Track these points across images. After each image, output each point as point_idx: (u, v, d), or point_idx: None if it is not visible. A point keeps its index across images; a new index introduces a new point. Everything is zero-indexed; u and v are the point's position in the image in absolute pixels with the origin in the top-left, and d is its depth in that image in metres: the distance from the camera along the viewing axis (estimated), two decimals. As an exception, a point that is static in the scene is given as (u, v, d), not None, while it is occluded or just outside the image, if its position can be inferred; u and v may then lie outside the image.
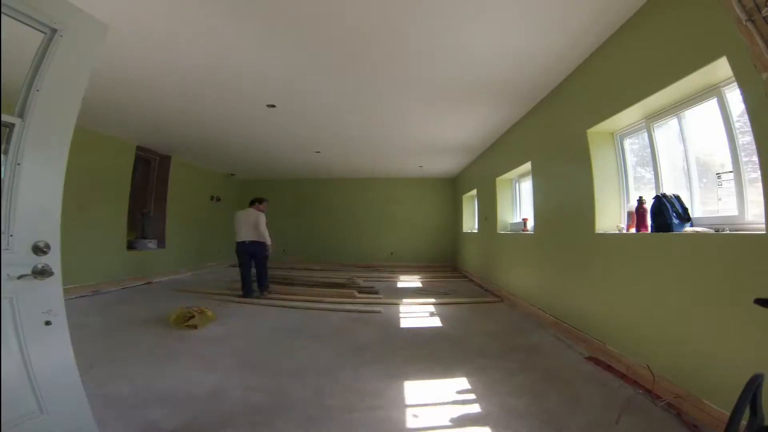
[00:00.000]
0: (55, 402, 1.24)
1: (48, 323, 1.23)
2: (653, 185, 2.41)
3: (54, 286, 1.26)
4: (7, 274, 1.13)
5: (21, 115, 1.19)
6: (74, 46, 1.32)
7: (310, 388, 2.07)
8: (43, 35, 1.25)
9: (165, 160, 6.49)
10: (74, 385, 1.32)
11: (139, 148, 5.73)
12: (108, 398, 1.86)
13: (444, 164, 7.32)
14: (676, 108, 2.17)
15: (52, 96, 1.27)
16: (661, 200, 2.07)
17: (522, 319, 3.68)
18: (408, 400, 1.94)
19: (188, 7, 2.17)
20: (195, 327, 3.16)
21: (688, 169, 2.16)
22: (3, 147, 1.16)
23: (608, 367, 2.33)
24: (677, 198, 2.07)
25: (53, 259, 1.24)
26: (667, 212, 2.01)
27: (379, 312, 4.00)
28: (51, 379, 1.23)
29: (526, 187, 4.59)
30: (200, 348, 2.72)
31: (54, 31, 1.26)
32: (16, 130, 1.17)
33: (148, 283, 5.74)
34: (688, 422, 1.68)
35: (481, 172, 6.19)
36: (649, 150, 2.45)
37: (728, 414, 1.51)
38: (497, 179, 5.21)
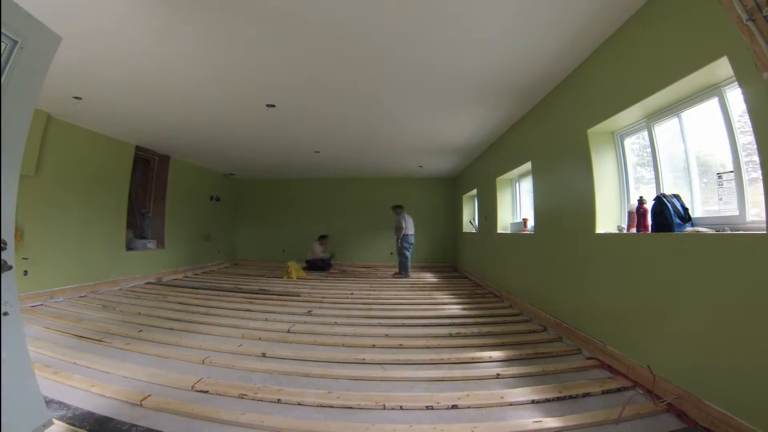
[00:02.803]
0: (10, 384, 1.33)
1: (5, 314, 1.35)
2: (653, 185, 2.40)
3: (10, 280, 1.38)
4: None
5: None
6: (32, 56, 1.41)
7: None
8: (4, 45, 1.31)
9: (164, 160, 6.48)
10: (27, 369, 1.46)
11: (138, 147, 5.72)
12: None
13: (444, 164, 7.31)
14: (676, 107, 2.17)
15: (8, 104, 1.33)
16: (661, 200, 2.06)
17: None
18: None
19: (189, 10, 2.17)
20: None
21: (688, 169, 2.16)
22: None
23: (609, 368, 2.33)
24: (678, 198, 2.07)
25: (9, 255, 1.38)
26: (667, 212, 2.00)
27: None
28: (7, 363, 1.33)
29: (526, 187, 4.59)
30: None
31: (15, 42, 1.34)
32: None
33: (148, 282, 5.73)
34: (688, 422, 1.67)
35: (481, 172, 6.19)
36: (649, 150, 2.45)
37: (729, 414, 1.52)
38: (497, 179, 5.21)
